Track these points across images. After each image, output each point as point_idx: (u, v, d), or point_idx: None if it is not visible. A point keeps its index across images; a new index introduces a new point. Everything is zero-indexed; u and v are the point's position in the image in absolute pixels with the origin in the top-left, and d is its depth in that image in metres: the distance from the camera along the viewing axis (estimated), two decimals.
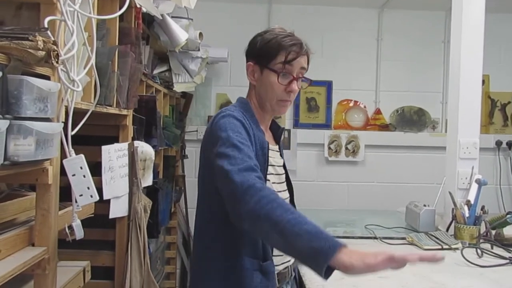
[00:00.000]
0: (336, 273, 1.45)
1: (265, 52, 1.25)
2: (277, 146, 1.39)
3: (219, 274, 1.18)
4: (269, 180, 1.24)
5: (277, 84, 1.24)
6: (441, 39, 3.30)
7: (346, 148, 3.24)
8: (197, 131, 3.21)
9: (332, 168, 3.27)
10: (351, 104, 3.32)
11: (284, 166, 1.38)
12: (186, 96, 3.11)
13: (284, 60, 1.23)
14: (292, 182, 1.39)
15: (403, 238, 1.91)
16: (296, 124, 3.28)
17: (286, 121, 3.25)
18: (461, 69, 2.04)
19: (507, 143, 3.33)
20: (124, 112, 1.60)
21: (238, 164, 1.04)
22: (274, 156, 1.31)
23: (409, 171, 3.28)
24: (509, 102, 3.40)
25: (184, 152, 3.12)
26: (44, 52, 0.83)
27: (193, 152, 3.17)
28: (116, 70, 1.45)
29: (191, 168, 3.17)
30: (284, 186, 1.34)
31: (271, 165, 1.27)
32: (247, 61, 1.30)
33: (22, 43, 0.79)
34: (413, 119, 3.32)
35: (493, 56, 3.08)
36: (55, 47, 0.86)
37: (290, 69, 1.24)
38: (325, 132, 3.24)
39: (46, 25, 0.88)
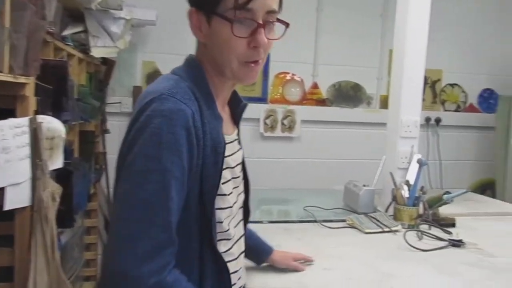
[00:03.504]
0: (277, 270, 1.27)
1: None
2: (236, 131, 1.03)
3: None
4: (225, 195, 0.92)
5: (234, 38, 0.85)
6: (379, 13, 3.23)
7: (282, 124, 3.11)
8: (120, 103, 2.87)
9: (267, 144, 3.13)
10: (288, 77, 3.17)
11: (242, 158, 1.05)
12: (108, 63, 2.75)
13: (235, 2, 0.84)
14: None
15: (343, 221, 1.82)
16: None
17: None
18: (406, 44, 1.95)
19: (435, 120, 3.40)
20: (22, 79, 1.29)
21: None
22: (232, 152, 0.96)
23: (345, 148, 3.23)
24: (438, 80, 3.47)
25: (105, 127, 2.79)
26: None
27: (115, 126, 2.84)
28: (7, 26, 1.14)
29: (113, 144, 2.83)
30: (241, 187, 1.05)
31: (229, 167, 0.94)
32: (190, 8, 0.91)
33: None
34: (349, 94, 3.26)
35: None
36: None
37: (250, 14, 0.86)
38: (261, 107, 3.08)
39: None
